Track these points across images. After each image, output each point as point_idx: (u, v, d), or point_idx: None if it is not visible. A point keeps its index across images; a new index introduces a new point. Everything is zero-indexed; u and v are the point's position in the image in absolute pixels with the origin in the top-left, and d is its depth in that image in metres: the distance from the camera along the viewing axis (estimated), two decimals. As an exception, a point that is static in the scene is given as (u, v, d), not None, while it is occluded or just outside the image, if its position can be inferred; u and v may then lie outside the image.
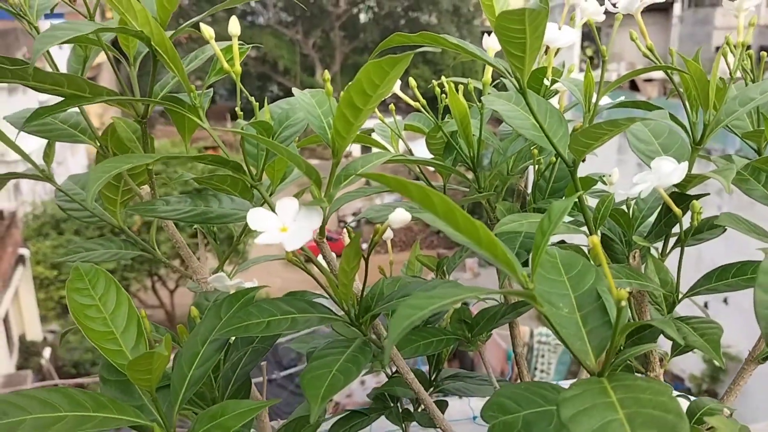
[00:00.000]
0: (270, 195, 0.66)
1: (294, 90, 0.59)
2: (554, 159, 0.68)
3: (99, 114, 25.39)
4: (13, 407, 0.49)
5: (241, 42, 0.60)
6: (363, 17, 30.28)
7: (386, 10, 29.03)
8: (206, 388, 0.62)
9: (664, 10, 14.83)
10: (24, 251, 12.20)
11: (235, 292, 0.60)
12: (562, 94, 0.71)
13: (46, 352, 11.59)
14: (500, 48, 0.68)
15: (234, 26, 0.56)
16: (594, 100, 0.59)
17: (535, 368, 6.24)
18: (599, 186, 0.74)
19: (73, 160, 21.66)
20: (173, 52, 0.57)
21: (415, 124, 0.85)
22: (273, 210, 0.55)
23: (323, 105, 0.57)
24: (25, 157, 0.74)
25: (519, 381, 0.83)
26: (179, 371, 0.56)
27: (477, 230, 0.42)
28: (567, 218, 0.71)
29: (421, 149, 0.83)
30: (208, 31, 0.57)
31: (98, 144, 0.71)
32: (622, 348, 0.53)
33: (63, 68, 0.67)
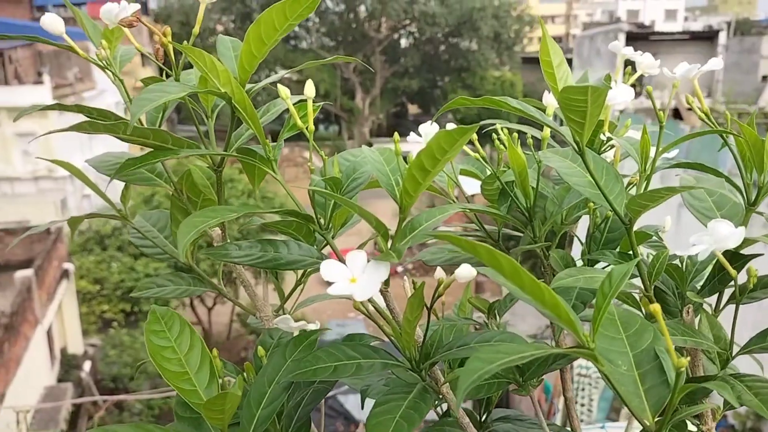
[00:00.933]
0: (332, 238, 0.70)
1: (364, 147, 0.62)
2: (609, 213, 0.70)
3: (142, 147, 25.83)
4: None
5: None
6: (404, 42, 30.57)
7: (427, 35, 29.26)
8: (271, 427, 0.65)
9: (709, 38, 14.67)
10: (68, 266, 12.52)
11: (300, 334, 0.63)
12: (617, 149, 0.73)
13: (86, 366, 11.81)
14: (558, 106, 0.71)
15: (309, 89, 0.60)
16: (650, 162, 0.61)
17: (575, 402, 6.11)
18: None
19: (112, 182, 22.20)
20: (252, 110, 0.61)
21: (470, 168, 0.87)
22: (339, 258, 0.58)
23: (390, 162, 0.60)
24: (101, 194, 0.79)
25: (569, 425, 0.84)
26: (248, 410, 0.59)
27: (542, 292, 0.44)
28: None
29: (468, 184, 0.85)
30: (284, 91, 0.61)
31: (173, 188, 0.75)
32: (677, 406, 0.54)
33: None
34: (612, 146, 0.73)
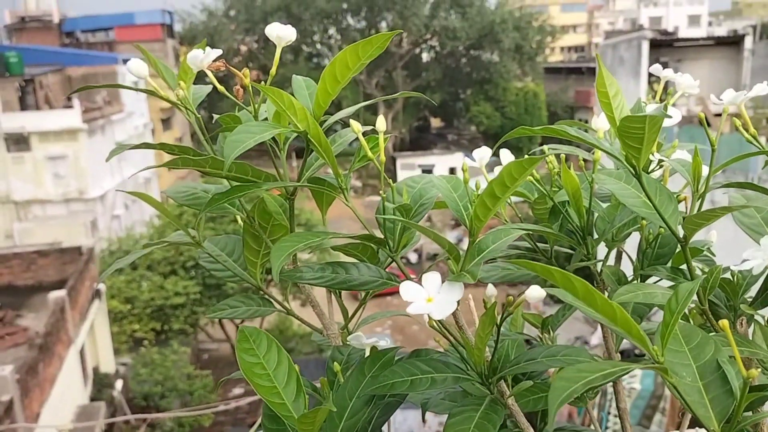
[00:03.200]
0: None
1: (433, 177, 0.67)
2: (662, 230, 0.74)
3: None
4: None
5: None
6: (425, 56, 30.74)
7: (448, 49, 29.40)
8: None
9: (734, 43, 14.54)
10: (100, 286, 12.70)
11: (377, 351, 0.68)
12: (666, 169, 0.76)
13: (118, 384, 11.96)
14: (608, 128, 0.75)
15: (381, 123, 0.65)
16: (702, 183, 0.65)
17: (608, 413, 6.10)
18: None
19: (138, 202, 22.59)
20: (326, 144, 0.66)
21: (520, 190, 0.91)
22: (407, 276, 0.62)
23: (458, 189, 0.65)
24: (178, 224, 0.84)
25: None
26: (331, 423, 0.63)
27: (614, 311, 0.48)
28: (669, 283, 0.76)
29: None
30: (356, 125, 0.66)
31: (245, 215, 0.81)
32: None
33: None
34: (661, 166, 0.77)
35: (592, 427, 0.85)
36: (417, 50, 29.97)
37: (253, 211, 0.80)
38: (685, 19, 32.69)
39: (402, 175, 26.46)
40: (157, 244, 0.85)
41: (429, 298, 0.58)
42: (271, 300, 0.86)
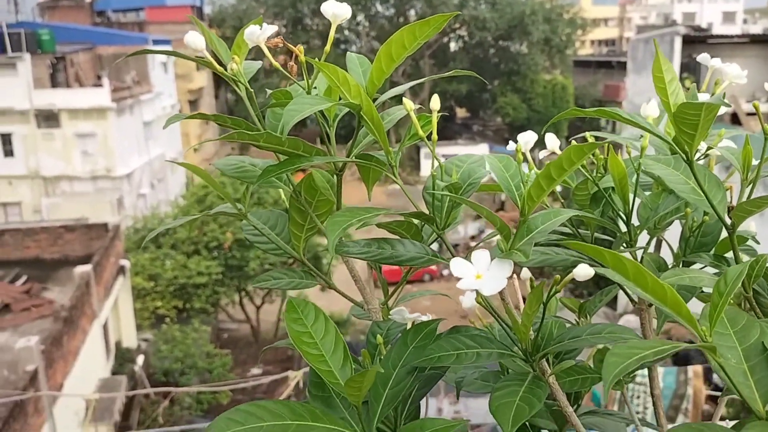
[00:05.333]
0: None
1: (487, 157, 0.68)
2: (706, 218, 0.74)
3: (198, 135, 26.29)
4: (251, 416, 0.60)
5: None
6: (453, 46, 30.56)
7: (476, 39, 29.19)
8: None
9: (767, 41, 14.25)
10: (125, 262, 12.89)
11: (419, 323, 0.69)
12: (711, 158, 0.77)
13: (140, 359, 12.15)
14: (657, 115, 0.75)
15: (435, 102, 0.66)
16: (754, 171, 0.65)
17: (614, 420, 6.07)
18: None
19: (173, 177, 22.86)
20: (378, 120, 0.67)
21: (562, 176, 0.92)
22: (452, 253, 0.64)
23: (510, 169, 0.66)
24: (226, 196, 0.86)
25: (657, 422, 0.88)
26: (375, 390, 0.65)
27: (665, 291, 0.49)
28: (712, 271, 0.76)
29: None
30: (408, 103, 0.67)
31: (292, 189, 0.82)
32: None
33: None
34: (707, 155, 0.77)
35: (626, 410, 0.86)
36: (445, 39, 29.80)
37: (300, 186, 0.82)
38: (719, 16, 32.08)
39: (426, 164, 26.39)
40: (204, 214, 0.87)
41: (478, 274, 0.59)
42: (314, 273, 0.88)
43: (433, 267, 18.67)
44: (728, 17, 32.37)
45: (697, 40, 14.01)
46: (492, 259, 0.60)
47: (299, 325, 0.65)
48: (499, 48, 30.46)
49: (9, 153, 17.72)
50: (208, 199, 14.62)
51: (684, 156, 0.62)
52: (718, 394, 7.59)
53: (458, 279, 0.58)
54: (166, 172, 21.92)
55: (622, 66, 20.97)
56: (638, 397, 5.95)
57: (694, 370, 6.89)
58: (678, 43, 12.93)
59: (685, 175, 0.66)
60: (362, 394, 0.60)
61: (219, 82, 30.77)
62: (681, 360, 8.31)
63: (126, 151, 18.67)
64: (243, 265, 14.42)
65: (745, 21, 32.56)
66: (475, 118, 35.16)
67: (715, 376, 8.46)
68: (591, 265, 0.57)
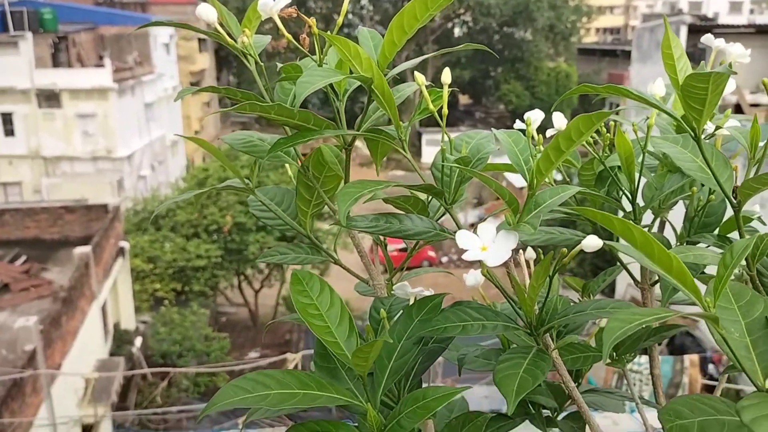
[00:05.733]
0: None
1: (497, 132, 0.68)
2: (712, 197, 0.75)
3: (199, 117, 26.23)
4: (259, 384, 0.61)
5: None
6: (457, 31, 30.41)
7: (481, 25, 29.04)
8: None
9: (774, 32, 14.18)
10: (124, 244, 12.89)
11: (423, 297, 0.70)
12: (719, 138, 0.77)
13: (138, 341, 12.20)
14: (663, 94, 0.75)
15: (446, 76, 0.66)
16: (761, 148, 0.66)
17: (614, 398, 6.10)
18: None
19: (173, 160, 22.83)
20: (390, 94, 0.68)
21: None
22: (459, 226, 0.64)
23: (519, 143, 0.66)
24: (235, 171, 0.87)
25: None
26: (380, 362, 0.66)
27: (671, 260, 0.50)
28: (718, 251, 0.77)
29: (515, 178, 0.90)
30: (420, 77, 0.68)
31: (299, 163, 0.83)
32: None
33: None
34: (713, 135, 0.78)
35: (626, 389, 0.87)
36: (449, 25, 29.65)
37: (308, 160, 0.82)
38: (726, 5, 31.90)
39: (427, 150, 26.32)
40: (214, 188, 0.87)
41: (484, 246, 0.60)
42: (320, 248, 0.88)
43: (432, 254, 18.67)
44: (735, 7, 32.19)
45: (703, 29, 13.93)
46: (498, 232, 0.61)
47: (305, 297, 0.66)
48: (504, 34, 30.31)
49: (10, 132, 17.68)
50: (208, 181, 14.61)
51: (692, 133, 0.63)
52: (714, 383, 7.63)
53: (464, 251, 0.59)
54: (167, 155, 21.89)
55: (627, 55, 20.86)
56: (634, 384, 5.98)
57: (690, 359, 6.93)
58: (684, 32, 12.87)
59: (693, 154, 0.67)
60: (368, 365, 0.61)
61: (221, 64, 30.63)
62: (677, 349, 8.36)
63: (127, 133, 18.63)
64: (242, 249, 14.45)
65: (751, 11, 32.38)
66: (478, 105, 35.05)
67: (710, 366, 8.51)
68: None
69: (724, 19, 26.18)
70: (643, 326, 0.47)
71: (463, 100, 34.95)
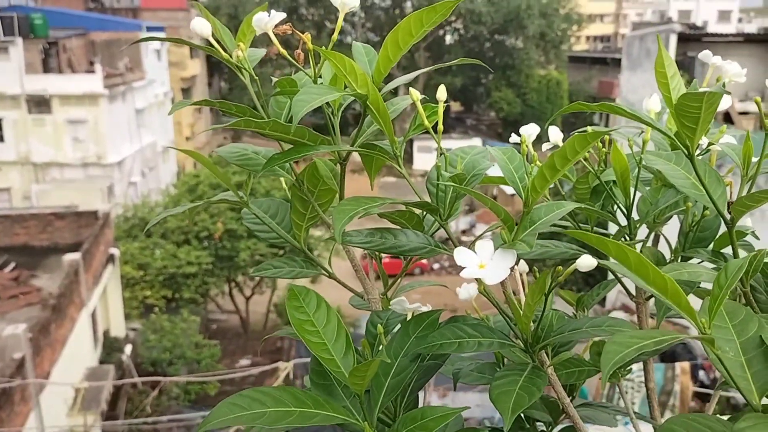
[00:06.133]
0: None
1: (492, 149, 0.68)
2: (707, 212, 0.75)
3: (190, 124, 26.11)
4: (255, 402, 0.60)
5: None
6: (449, 39, 30.52)
7: (472, 33, 29.16)
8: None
9: (765, 41, 14.32)
10: (114, 251, 12.82)
11: (420, 314, 0.70)
12: (713, 153, 0.77)
13: (128, 349, 12.11)
14: (659, 110, 0.76)
15: (441, 93, 0.66)
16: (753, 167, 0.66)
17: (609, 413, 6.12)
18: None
19: (164, 166, 22.75)
20: (384, 110, 0.68)
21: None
22: (454, 243, 0.64)
23: (514, 161, 0.66)
24: (228, 184, 0.86)
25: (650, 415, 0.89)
26: (377, 380, 0.66)
27: (665, 282, 0.50)
28: (710, 266, 0.77)
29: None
30: (415, 93, 0.68)
31: (294, 177, 0.83)
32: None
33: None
34: (708, 150, 0.78)
35: (621, 403, 0.87)
36: (440, 33, 29.75)
37: (302, 174, 0.82)
38: (715, 14, 32.18)
39: (419, 157, 26.36)
40: (209, 202, 0.87)
41: (481, 264, 0.60)
42: (314, 263, 0.88)
43: (424, 261, 18.67)
44: (723, 16, 32.48)
45: (692, 38, 14.06)
46: (495, 249, 0.61)
47: (301, 313, 0.66)
48: (495, 42, 30.45)
49: (-1, 138, 17.59)
50: (199, 188, 14.57)
51: (685, 150, 0.63)
52: (705, 390, 7.64)
53: (461, 268, 0.59)
54: (158, 161, 21.81)
55: (617, 63, 20.99)
56: (626, 392, 6.00)
57: (681, 366, 6.95)
58: (673, 40, 12.98)
59: (686, 170, 0.67)
60: (365, 383, 0.61)
61: (212, 70, 30.58)
62: (668, 357, 8.38)
63: (117, 139, 18.56)
64: (233, 256, 14.40)
65: (740, 20, 32.68)
66: (469, 113, 35.17)
67: (701, 373, 8.54)
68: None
69: (713, 27, 26.41)
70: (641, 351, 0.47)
71: (455, 107, 35.06)
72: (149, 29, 22.45)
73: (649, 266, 0.50)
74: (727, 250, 0.81)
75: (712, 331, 0.56)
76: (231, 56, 0.78)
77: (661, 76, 0.63)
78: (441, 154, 0.69)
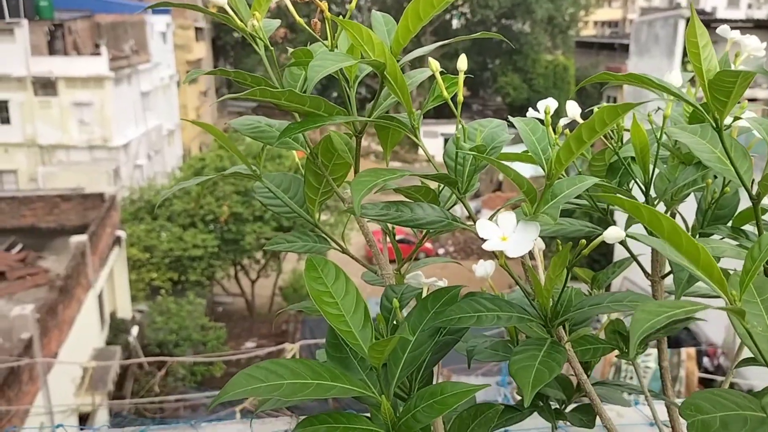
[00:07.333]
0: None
1: (514, 119, 0.67)
2: (727, 189, 0.74)
3: (195, 107, 26.06)
4: (272, 374, 0.60)
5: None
6: (455, 23, 30.32)
7: (479, 17, 28.97)
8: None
9: (773, 27, 14.17)
10: (120, 233, 12.85)
11: (440, 288, 0.69)
12: (735, 128, 0.76)
13: (134, 330, 12.18)
14: (679, 85, 0.74)
15: (462, 63, 0.65)
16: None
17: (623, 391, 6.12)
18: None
19: (169, 149, 22.74)
20: (402, 81, 0.66)
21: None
22: (472, 217, 0.63)
23: (536, 132, 0.65)
24: (241, 157, 0.85)
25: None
26: (395, 354, 0.65)
27: (698, 252, 0.49)
28: (732, 242, 0.76)
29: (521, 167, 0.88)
30: (434, 63, 0.66)
31: (308, 151, 0.81)
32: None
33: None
34: (729, 126, 0.76)
35: (635, 381, 0.86)
36: (447, 17, 29.54)
37: (317, 148, 0.81)
38: (724, 0, 31.86)
39: (423, 142, 26.26)
40: (222, 174, 0.86)
41: (504, 236, 0.59)
42: (327, 237, 0.87)
43: (429, 245, 18.68)
44: (733, 2, 32.15)
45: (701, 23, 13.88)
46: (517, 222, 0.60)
47: (320, 284, 0.65)
48: (502, 26, 30.23)
49: (5, 120, 17.58)
50: (205, 171, 14.55)
51: (713, 123, 0.62)
52: (710, 376, 7.63)
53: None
54: (163, 144, 21.80)
55: (624, 48, 20.81)
56: (631, 378, 6.00)
57: (687, 352, 6.95)
58: (682, 25, 12.84)
59: (711, 144, 0.66)
60: (384, 357, 0.60)
61: (218, 54, 30.46)
62: (673, 343, 8.37)
63: (123, 122, 18.55)
64: (239, 239, 14.43)
65: (749, 6, 32.35)
66: (475, 98, 34.98)
67: (705, 360, 8.54)
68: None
69: (722, 13, 26.16)
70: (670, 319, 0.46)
71: (461, 92, 34.80)
72: (154, 12, 22.33)
73: (682, 233, 0.49)
74: (748, 227, 0.80)
75: (742, 305, 0.55)
76: (246, 26, 0.77)
77: (692, 46, 0.61)
78: (460, 126, 0.67)
